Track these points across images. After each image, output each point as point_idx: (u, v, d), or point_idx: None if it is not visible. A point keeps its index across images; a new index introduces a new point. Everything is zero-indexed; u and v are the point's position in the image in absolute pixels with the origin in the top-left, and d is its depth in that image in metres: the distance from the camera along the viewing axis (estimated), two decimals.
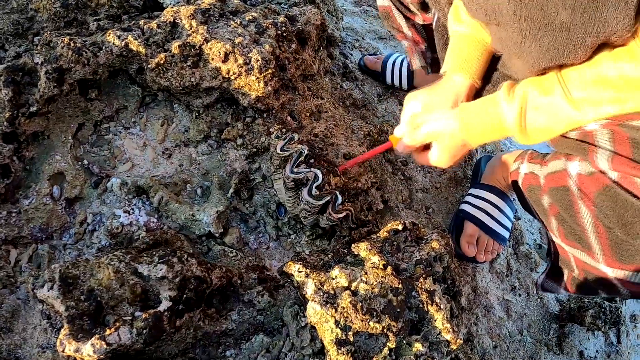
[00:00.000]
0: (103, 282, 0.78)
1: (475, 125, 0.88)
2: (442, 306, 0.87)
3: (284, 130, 1.03)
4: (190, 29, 1.06)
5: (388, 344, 0.79)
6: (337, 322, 0.79)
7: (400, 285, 0.86)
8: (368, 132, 1.27)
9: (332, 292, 0.84)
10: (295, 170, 0.96)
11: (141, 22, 1.08)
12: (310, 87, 1.28)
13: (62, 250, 0.95)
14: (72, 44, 0.98)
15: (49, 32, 1.05)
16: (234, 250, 1.00)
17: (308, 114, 1.23)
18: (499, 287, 1.33)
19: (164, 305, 0.77)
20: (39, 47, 1.00)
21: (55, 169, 0.99)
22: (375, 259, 0.89)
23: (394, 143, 1.02)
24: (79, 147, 1.05)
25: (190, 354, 0.84)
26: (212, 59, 1.04)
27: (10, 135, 0.95)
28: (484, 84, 0.96)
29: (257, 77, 1.06)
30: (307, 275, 0.88)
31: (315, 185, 0.95)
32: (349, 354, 0.76)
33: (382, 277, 0.86)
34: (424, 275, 0.90)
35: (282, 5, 1.35)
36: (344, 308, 0.80)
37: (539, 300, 1.39)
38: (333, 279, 0.87)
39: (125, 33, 1.03)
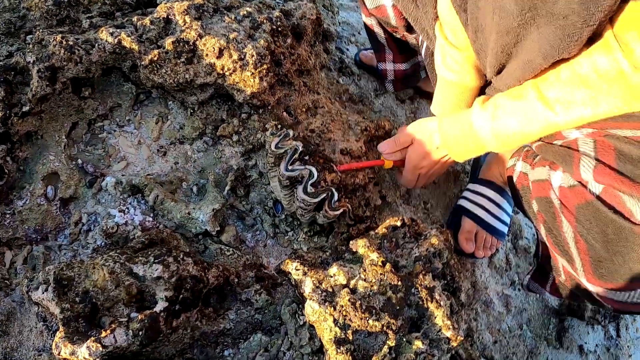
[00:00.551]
0: (98, 283, 0.77)
1: (449, 130, 0.91)
2: (442, 303, 0.86)
3: (279, 126, 1.02)
4: (184, 24, 1.05)
5: (388, 342, 0.79)
6: (335, 321, 0.78)
7: (399, 283, 0.85)
8: (365, 128, 1.26)
9: (330, 290, 0.83)
10: (290, 167, 0.95)
11: (134, 18, 1.06)
12: (306, 83, 1.27)
13: (57, 251, 0.94)
14: (64, 42, 0.96)
15: (41, 30, 1.03)
16: (230, 249, 0.99)
17: (304, 109, 1.22)
18: (498, 282, 1.33)
19: (160, 305, 0.76)
20: (31, 46, 0.99)
21: (49, 169, 0.98)
22: (374, 255, 0.88)
23: (386, 163, 1.11)
24: (73, 146, 1.03)
25: (188, 355, 0.83)
26: (207, 55, 1.03)
27: (3, 136, 0.93)
28: None
29: (252, 73, 1.04)
30: (304, 274, 0.87)
31: (310, 182, 0.94)
32: (348, 353, 0.76)
33: (381, 274, 0.85)
34: (423, 272, 0.89)
35: (277, 0, 1.33)
36: (342, 306, 0.79)
37: (538, 294, 1.39)
38: (331, 276, 0.86)
39: (118, 30, 1.02)
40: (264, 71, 1.06)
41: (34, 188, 0.96)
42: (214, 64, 1.03)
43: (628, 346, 1.48)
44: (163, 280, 0.78)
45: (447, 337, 0.83)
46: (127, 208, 0.98)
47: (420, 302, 0.86)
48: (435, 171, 1.07)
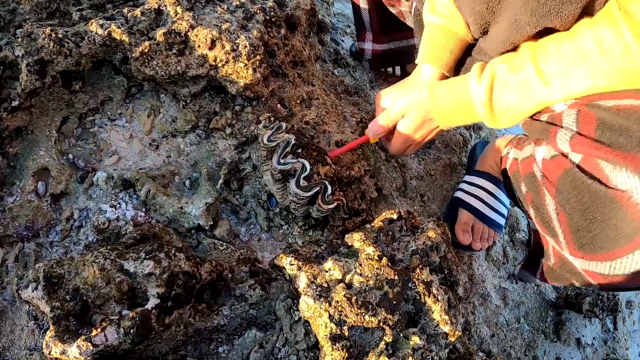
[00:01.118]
0: (88, 280, 0.75)
1: (444, 101, 0.88)
2: (439, 297, 0.85)
3: (272, 119, 1.01)
4: (176, 15, 1.03)
5: (384, 337, 0.78)
6: (331, 317, 0.77)
7: (396, 277, 0.84)
8: (360, 119, 1.25)
9: (325, 285, 0.82)
10: (282, 161, 0.93)
11: (125, 10, 1.04)
12: (300, 74, 1.26)
13: (48, 248, 0.93)
14: (53, 35, 0.94)
15: (30, 23, 1.01)
16: (224, 243, 0.98)
17: (299, 101, 1.20)
18: (495, 275, 1.32)
19: (152, 302, 0.75)
20: (20, 40, 0.97)
21: (40, 165, 0.96)
22: (370, 249, 0.87)
23: (370, 137, 1.06)
24: (64, 141, 1.02)
25: (181, 352, 0.82)
26: (199, 46, 1.01)
27: None
28: (459, 71, 0.97)
29: (245, 64, 1.03)
30: (299, 268, 0.86)
31: (303, 176, 0.93)
32: (344, 349, 0.75)
33: (377, 268, 0.84)
34: (420, 266, 0.88)
35: None
36: (338, 302, 0.78)
37: (535, 287, 1.38)
38: (326, 271, 0.85)
39: (108, 22, 1.00)
40: (257, 62, 1.04)
41: (24, 184, 0.94)
42: (206, 55, 1.01)
43: (625, 339, 1.48)
44: (154, 276, 0.77)
45: (445, 332, 0.82)
46: (119, 203, 0.96)
47: (418, 297, 0.84)
48: (426, 139, 1.05)
